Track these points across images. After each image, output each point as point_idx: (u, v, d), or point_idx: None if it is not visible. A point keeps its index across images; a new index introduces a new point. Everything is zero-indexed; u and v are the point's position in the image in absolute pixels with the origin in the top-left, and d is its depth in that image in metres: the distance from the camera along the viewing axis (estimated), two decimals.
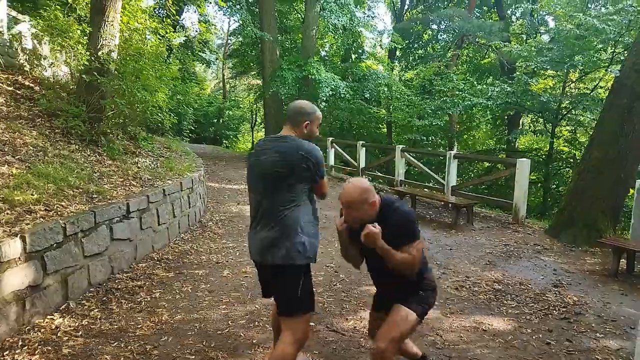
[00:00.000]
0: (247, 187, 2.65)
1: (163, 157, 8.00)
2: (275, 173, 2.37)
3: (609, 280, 4.98)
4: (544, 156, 16.24)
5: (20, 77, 7.58)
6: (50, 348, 2.99)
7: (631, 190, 6.71)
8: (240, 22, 18.51)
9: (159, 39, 8.62)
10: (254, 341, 3.31)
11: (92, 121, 6.55)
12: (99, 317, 3.54)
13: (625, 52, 10.58)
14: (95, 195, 4.67)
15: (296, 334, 2.38)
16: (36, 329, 3.19)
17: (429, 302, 2.56)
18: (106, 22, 6.59)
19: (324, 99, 15.14)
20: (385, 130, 22.15)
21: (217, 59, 29.87)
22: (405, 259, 2.33)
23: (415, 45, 24.52)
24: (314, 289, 2.56)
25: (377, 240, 2.29)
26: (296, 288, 2.39)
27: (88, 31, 6.85)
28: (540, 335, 3.60)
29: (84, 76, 6.43)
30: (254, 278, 4.17)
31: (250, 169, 2.54)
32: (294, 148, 2.38)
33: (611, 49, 12.14)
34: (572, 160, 15.56)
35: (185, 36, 21.09)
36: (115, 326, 3.41)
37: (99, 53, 6.51)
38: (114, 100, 6.64)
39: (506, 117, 19.41)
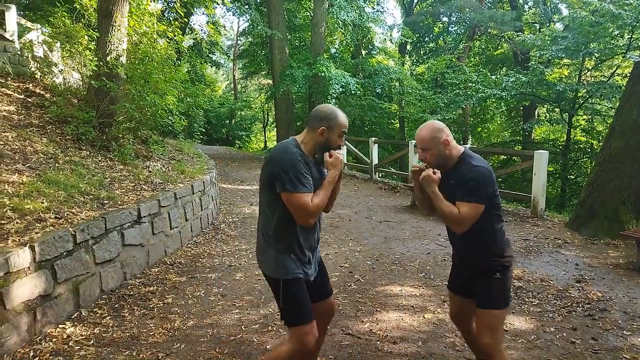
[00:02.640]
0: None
1: (174, 160, 7.99)
2: None
3: (633, 274, 4.79)
4: (560, 147, 15.93)
5: (31, 84, 7.64)
6: (61, 358, 2.95)
7: None
8: (250, 21, 18.52)
9: (167, 42, 8.61)
10: (268, 347, 3.23)
11: (103, 126, 6.56)
12: (111, 324, 3.50)
13: None
14: (107, 201, 4.65)
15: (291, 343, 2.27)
16: (47, 338, 3.16)
17: (506, 287, 2.40)
18: (113, 27, 6.59)
19: (335, 96, 15.08)
20: (397, 125, 21.99)
21: (227, 59, 29.95)
22: (450, 213, 2.29)
23: (426, 39, 24.29)
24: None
25: (430, 184, 2.34)
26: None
27: (96, 36, 6.86)
28: (564, 334, 3.46)
29: (92, 82, 6.44)
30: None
31: None
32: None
33: (628, 34, 11.79)
34: (589, 150, 15.22)
35: (194, 39, 21.16)
36: (127, 334, 3.37)
37: (108, 58, 6.51)
38: (124, 105, 6.63)
39: (521, 108, 19.11)
